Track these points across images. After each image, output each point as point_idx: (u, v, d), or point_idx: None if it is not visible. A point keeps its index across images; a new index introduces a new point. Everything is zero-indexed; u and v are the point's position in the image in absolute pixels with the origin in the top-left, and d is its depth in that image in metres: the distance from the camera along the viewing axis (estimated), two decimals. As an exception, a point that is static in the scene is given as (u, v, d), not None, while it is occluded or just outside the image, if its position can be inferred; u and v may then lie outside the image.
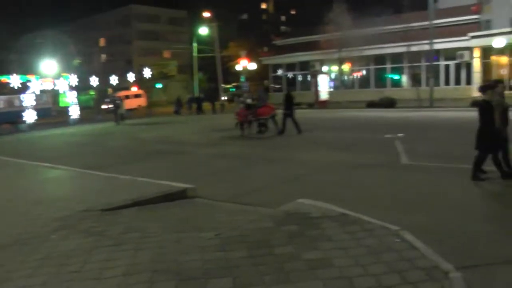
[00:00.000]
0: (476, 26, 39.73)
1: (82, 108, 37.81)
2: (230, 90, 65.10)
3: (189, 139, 18.83)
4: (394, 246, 4.91)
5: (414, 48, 34.39)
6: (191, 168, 11.77)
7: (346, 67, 40.79)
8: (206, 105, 41.51)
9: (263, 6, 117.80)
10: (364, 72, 44.46)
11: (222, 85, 50.06)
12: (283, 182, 9.22)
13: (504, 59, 36.98)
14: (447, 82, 39.93)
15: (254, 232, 5.60)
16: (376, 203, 7.33)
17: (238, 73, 49.76)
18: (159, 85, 72.66)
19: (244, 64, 46.73)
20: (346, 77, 44.70)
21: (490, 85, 8.81)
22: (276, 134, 18.35)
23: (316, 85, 37.27)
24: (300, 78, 48.16)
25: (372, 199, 7.59)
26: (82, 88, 43.98)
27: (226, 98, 47.60)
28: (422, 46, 32.87)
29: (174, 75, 72.82)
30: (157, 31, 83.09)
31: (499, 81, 9.30)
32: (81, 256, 5.04)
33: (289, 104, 18.75)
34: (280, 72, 49.49)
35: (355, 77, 45.03)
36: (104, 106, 49.75)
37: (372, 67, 43.46)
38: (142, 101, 52.14)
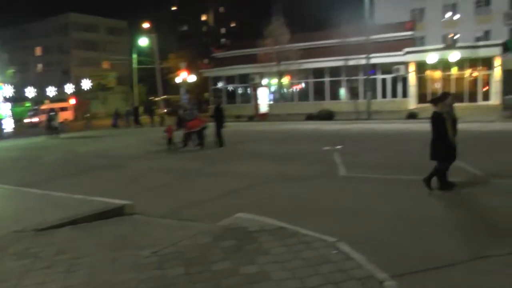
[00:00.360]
0: (411, 42, 41.56)
1: (17, 121, 36.31)
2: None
3: (127, 153, 18.43)
4: (331, 258, 4.98)
5: (351, 62, 35.36)
6: (129, 183, 11.52)
7: (285, 80, 41.35)
8: (145, 118, 40.92)
9: (203, 18, 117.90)
10: (303, 85, 45.27)
11: (152, 98, 49.28)
12: (222, 196, 9.18)
13: (437, 74, 38.80)
14: (384, 95, 41.28)
15: (192, 248, 5.53)
16: (314, 215, 7.43)
17: (179, 85, 49.33)
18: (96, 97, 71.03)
19: (184, 76, 46.46)
20: (285, 90, 45.27)
21: (440, 97, 9.04)
22: (194, 147, 18.40)
23: (256, 98, 37.60)
24: (240, 90, 48.40)
25: (310, 211, 7.69)
26: (17, 99, 42.23)
27: (166, 110, 47.01)
28: (359, 60, 33.91)
29: (113, 86, 71.28)
30: (96, 41, 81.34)
31: (448, 93, 9.52)
32: (11, 281, 4.81)
33: (219, 117, 18.78)
34: (220, 84, 49.55)
35: (294, 90, 45.71)
36: (27, 120, 47.65)
37: (311, 80, 44.32)
38: (68, 115, 50.13)
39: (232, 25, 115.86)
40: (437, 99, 8.97)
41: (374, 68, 37.80)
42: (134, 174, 12.88)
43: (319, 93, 43.75)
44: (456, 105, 9.50)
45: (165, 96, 59.09)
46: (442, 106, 8.73)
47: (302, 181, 10.39)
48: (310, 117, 32.83)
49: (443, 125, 8.54)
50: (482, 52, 36.81)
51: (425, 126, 24.46)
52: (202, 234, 6.09)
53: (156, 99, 61.90)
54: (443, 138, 8.54)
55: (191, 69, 51.92)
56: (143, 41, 50.39)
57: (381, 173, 10.91)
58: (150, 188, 10.55)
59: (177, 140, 18.93)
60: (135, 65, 52.96)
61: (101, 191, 9.49)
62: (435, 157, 8.71)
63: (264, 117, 36.12)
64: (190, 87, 52.15)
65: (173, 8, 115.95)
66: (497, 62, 37.05)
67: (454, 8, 47.55)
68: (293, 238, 5.70)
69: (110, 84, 70.84)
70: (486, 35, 45.25)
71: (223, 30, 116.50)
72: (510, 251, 5.46)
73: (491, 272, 4.92)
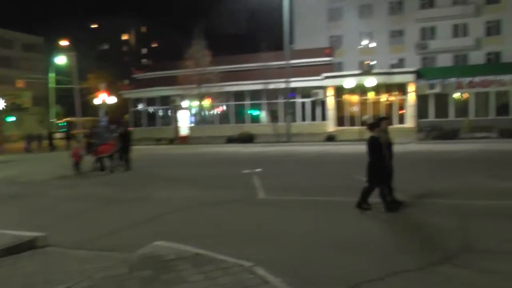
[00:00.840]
0: (329, 67, 43.31)
1: None
2: (60, 125, 58.14)
3: (39, 179, 17.51)
4: (248, 283, 5.08)
5: (271, 86, 36.19)
6: (42, 212, 10.92)
7: (206, 102, 41.50)
8: (59, 142, 39.42)
9: (124, 37, 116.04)
10: (224, 107, 45.63)
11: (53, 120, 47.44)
12: (140, 224, 9.02)
13: (355, 98, 40.57)
14: (303, 118, 42.56)
15: (108, 280, 5.43)
16: (232, 240, 7.49)
17: (98, 107, 48.00)
18: (11, 118, 67.27)
19: (104, 98, 45.32)
20: (207, 113, 45.44)
21: (376, 123, 9.45)
22: (107, 171, 18.07)
23: (176, 120, 37.44)
24: (161, 113, 48.01)
25: (228, 236, 7.75)
26: None
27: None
28: (279, 84, 34.79)
29: (28, 107, 67.72)
30: (10, 57, 77.20)
31: (383, 118, 9.97)
32: None
33: (126, 141, 18.56)
34: (140, 106, 48.87)
35: (215, 112, 45.98)
36: None
37: (232, 103, 44.80)
38: None
39: (154, 45, 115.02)
40: (373, 124, 9.37)
41: (294, 91, 38.94)
42: (48, 203, 12.26)
43: (239, 116, 44.35)
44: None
45: (68, 119, 57.11)
46: (379, 131, 9.17)
47: (221, 206, 10.44)
48: (230, 140, 33.12)
49: (380, 148, 8.95)
50: (397, 79, 39.37)
51: (343, 148, 25.70)
52: (119, 264, 5.99)
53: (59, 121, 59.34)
54: (380, 161, 8.93)
55: (111, 90, 50.70)
56: (60, 59, 48.75)
57: (300, 195, 11.23)
58: (64, 217, 10.13)
59: (86, 165, 18.40)
60: (52, 84, 50.97)
61: (12, 222, 9.06)
62: (373, 179, 9.05)
63: (185, 140, 35.95)
64: (110, 108, 50.86)
65: (93, 26, 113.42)
66: (411, 88, 39.67)
67: (370, 37, 50.14)
68: (211, 264, 5.75)
69: (25, 104, 67.26)
70: (401, 62, 48.11)
71: (144, 50, 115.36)
72: (418, 267, 5.82)
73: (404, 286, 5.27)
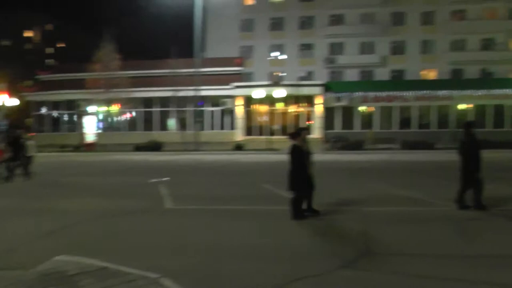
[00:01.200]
0: (239, 77, 43.88)
1: None
2: None
3: None
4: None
5: (181, 93, 36.03)
6: None
7: (114, 108, 40.45)
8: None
9: (28, 34, 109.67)
10: (133, 114, 44.74)
11: None
12: (41, 237, 8.44)
13: (264, 108, 41.39)
14: (212, 127, 42.73)
15: (1, 303, 5.14)
16: (139, 251, 7.30)
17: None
18: None
19: (3, 99, 42.65)
20: (114, 119, 44.33)
21: (297, 132, 9.76)
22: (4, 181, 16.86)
23: (82, 126, 36.15)
24: (66, 118, 46.09)
25: (135, 248, 7.54)
26: None
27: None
28: (189, 91, 34.72)
29: None
30: None
31: (303, 129, 10.33)
32: None
33: (18, 148, 17.41)
34: (44, 110, 46.56)
35: (124, 119, 44.98)
36: None
37: (141, 109, 44.03)
38: None
39: (61, 45, 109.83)
40: (295, 134, 9.67)
41: (203, 100, 39.06)
42: None
43: (148, 123, 43.73)
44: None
45: None
46: (301, 140, 9.47)
47: (128, 216, 10.21)
48: (139, 148, 32.54)
49: (301, 157, 9.23)
50: (306, 91, 40.89)
51: (252, 157, 26.03)
52: (15, 283, 5.66)
53: None
54: (302, 170, 9.20)
55: (11, 91, 47.79)
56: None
57: (208, 204, 11.26)
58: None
59: None
60: None
61: None
62: (294, 187, 9.25)
63: (91, 147, 34.82)
64: (12, 112, 47.90)
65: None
66: (319, 100, 41.26)
67: (280, 49, 51.23)
68: (115, 278, 5.63)
69: None
70: (310, 75, 49.64)
71: (50, 50, 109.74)
72: (321, 272, 6.06)
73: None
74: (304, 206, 9.55)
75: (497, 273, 6.00)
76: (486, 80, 44.45)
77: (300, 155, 9.29)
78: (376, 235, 8.06)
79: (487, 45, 48.50)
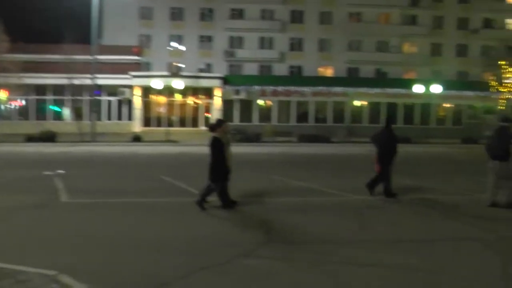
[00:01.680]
0: (137, 66, 43.01)
1: None
2: None
3: None
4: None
5: (76, 81, 34.61)
6: None
7: (2, 95, 37.89)
8: None
9: None
10: (23, 102, 42.26)
11: None
12: None
13: (162, 99, 40.93)
14: (109, 117, 41.63)
15: None
16: (35, 248, 6.95)
17: None
18: None
19: None
20: (2, 107, 41.59)
21: (217, 124, 9.86)
22: None
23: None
24: None
25: (28, 245, 7.14)
26: None
27: None
28: (85, 80, 33.44)
29: None
30: None
31: (224, 121, 10.45)
32: None
33: None
34: None
35: (13, 107, 42.35)
36: None
37: (32, 97, 41.71)
38: None
39: None
40: (215, 125, 9.78)
41: (100, 89, 37.75)
42: None
43: (40, 112, 41.54)
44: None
45: None
46: (221, 132, 9.58)
47: (21, 212, 9.56)
48: (30, 139, 30.77)
49: (222, 149, 9.36)
50: (204, 83, 41.17)
51: (150, 149, 25.77)
52: None
53: None
54: (222, 161, 9.33)
55: None
56: None
57: (106, 197, 11.01)
58: None
59: None
60: None
61: None
62: (214, 178, 9.37)
63: (-26, 137, 32.31)
64: None
65: None
66: (217, 92, 41.63)
67: (179, 40, 50.70)
68: (9, 278, 5.32)
69: None
70: (209, 67, 49.76)
71: None
72: (225, 261, 6.22)
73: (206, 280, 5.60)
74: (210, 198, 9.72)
75: (391, 255, 6.56)
76: (381, 80, 47.41)
77: (220, 147, 9.45)
78: (277, 225, 8.36)
79: (382, 47, 51.58)
